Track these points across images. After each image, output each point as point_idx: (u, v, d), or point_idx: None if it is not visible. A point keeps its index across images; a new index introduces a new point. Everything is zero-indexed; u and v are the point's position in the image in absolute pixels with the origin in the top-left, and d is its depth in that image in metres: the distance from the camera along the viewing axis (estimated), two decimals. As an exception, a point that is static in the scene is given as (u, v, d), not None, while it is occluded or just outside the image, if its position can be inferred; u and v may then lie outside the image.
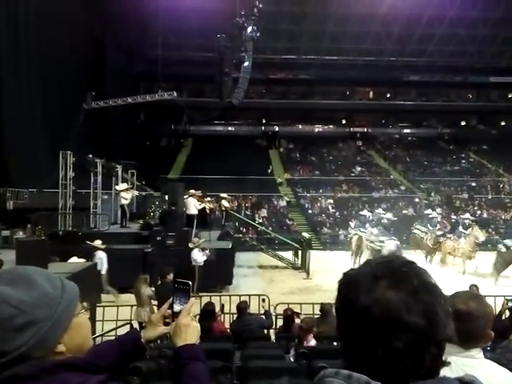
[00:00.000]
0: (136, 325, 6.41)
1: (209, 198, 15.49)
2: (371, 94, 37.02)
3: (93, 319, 6.32)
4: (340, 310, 0.75)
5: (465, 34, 30.98)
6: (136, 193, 15.90)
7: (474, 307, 1.52)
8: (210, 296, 9.25)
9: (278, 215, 23.93)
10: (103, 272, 9.72)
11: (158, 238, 11.52)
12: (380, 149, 34.28)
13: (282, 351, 4.42)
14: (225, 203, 16.16)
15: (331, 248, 20.22)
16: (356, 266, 0.94)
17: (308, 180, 28.24)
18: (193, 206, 12.44)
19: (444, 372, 0.80)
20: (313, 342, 4.37)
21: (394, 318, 0.67)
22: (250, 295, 7.85)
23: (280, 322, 6.60)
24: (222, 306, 6.76)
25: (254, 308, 7.63)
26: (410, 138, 36.25)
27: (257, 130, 35.65)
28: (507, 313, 4.56)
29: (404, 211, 23.87)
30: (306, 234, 17.58)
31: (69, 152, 13.05)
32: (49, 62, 16.80)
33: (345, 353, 0.74)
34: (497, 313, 5.21)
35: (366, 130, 36.53)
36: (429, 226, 16.06)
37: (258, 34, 17.15)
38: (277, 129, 35.82)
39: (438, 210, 23.83)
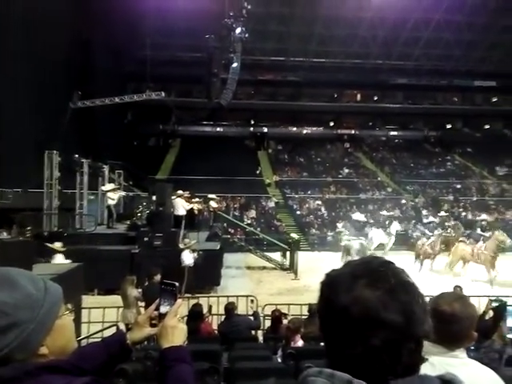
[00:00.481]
0: (122, 326, 6.34)
1: (197, 199, 15.44)
2: (359, 96, 37.36)
3: (78, 321, 6.23)
4: (321, 310, 0.77)
5: (450, 38, 31.51)
6: (123, 193, 15.75)
7: (458, 308, 1.54)
8: (198, 297, 9.24)
9: (266, 216, 23.96)
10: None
11: (145, 239, 11.43)
12: (367, 151, 34.60)
13: (270, 352, 4.43)
14: (213, 204, 16.13)
15: (319, 249, 20.32)
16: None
17: (296, 181, 28.35)
18: (181, 206, 12.38)
19: (428, 372, 0.82)
20: (300, 343, 4.39)
21: (371, 316, 0.69)
22: (237, 296, 7.85)
23: (268, 323, 6.61)
24: (210, 307, 6.74)
25: (241, 309, 7.63)
26: (396, 141, 36.67)
27: (245, 131, 35.67)
28: (491, 313, 4.63)
29: (391, 212, 24.11)
30: (294, 235, 17.65)
31: (54, 152, 12.86)
32: (35, 62, 16.55)
33: (328, 352, 0.76)
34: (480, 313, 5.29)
35: (353, 132, 36.85)
36: (426, 231, 15.74)
37: (246, 35, 17.18)
38: (265, 130, 35.90)
39: (424, 211, 24.25)
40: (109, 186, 14.57)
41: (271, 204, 25.12)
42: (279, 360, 4.09)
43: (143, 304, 6.39)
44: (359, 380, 0.67)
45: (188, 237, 11.96)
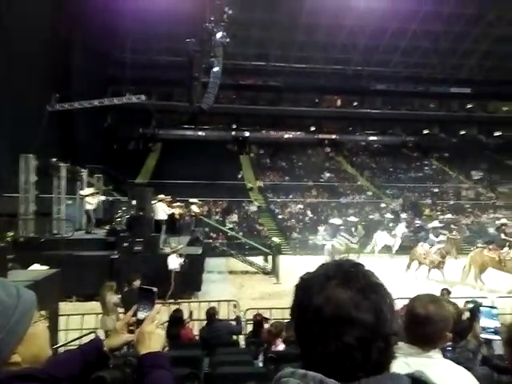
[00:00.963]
0: (102, 333, 6.22)
1: (178, 203, 15.30)
2: (339, 101, 37.88)
3: (55, 328, 6.07)
4: (296, 311, 0.79)
5: (427, 47, 32.36)
6: (102, 198, 15.47)
7: (433, 311, 1.58)
8: (179, 302, 9.14)
9: (248, 220, 23.95)
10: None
11: (125, 244, 11.25)
12: (347, 155, 35.07)
13: (251, 356, 4.42)
14: (194, 208, 16.03)
15: (301, 252, 20.40)
16: None
17: (278, 185, 28.48)
18: (161, 211, 12.24)
19: (403, 372, 0.84)
20: (281, 347, 4.39)
21: (343, 315, 0.71)
22: (219, 301, 7.82)
23: (250, 328, 6.59)
24: (191, 313, 6.68)
25: (223, 314, 7.58)
26: (376, 145, 37.30)
27: (227, 135, 35.65)
28: (467, 314, 4.75)
29: (370, 216, 24.49)
30: (275, 239, 17.76)
31: (31, 155, 12.55)
32: (11, 62, 16.15)
33: (301, 352, 0.78)
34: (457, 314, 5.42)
35: (333, 136, 37.28)
36: (431, 236, 14.26)
37: (227, 40, 17.20)
38: (247, 134, 35.96)
39: (403, 215, 24.68)
40: (87, 191, 14.28)
41: (253, 208, 25.15)
42: (260, 364, 4.09)
43: (123, 310, 6.29)
44: (331, 379, 0.69)
45: (169, 242, 11.83)
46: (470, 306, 4.57)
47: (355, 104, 37.40)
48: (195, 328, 6.82)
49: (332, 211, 25.28)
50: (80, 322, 7.00)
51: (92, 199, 13.56)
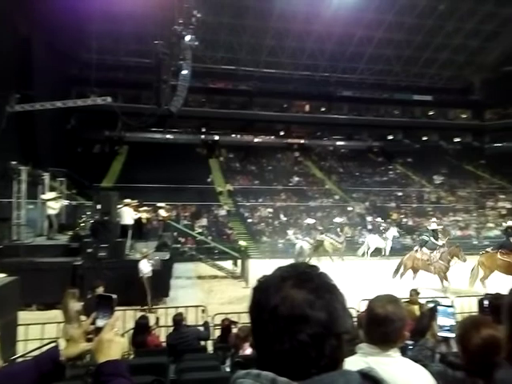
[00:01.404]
0: (63, 342, 5.99)
1: (145, 208, 15.03)
2: (307, 107, 38.48)
3: (12, 339, 5.81)
4: (253, 312, 0.81)
5: (391, 55, 33.52)
6: (65, 202, 14.96)
7: (391, 311, 1.63)
8: (146, 309, 8.97)
9: (217, 224, 23.83)
10: None
11: (89, 250, 10.93)
12: (316, 160, 35.63)
13: (218, 362, 4.39)
14: (162, 213, 15.79)
15: (270, 256, 20.48)
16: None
17: (248, 189, 28.53)
18: (128, 215, 11.99)
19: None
20: (249, 351, 4.39)
21: (298, 314, 0.74)
22: (187, 307, 7.73)
23: (218, 333, 6.55)
24: (157, 319, 6.57)
25: (191, 320, 7.51)
26: (343, 150, 38.11)
27: (196, 139, 35.38)
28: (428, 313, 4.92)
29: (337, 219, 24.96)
30: (242, 242, 17.83)
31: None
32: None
33: (258, 352, 0.80)
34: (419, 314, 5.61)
35: (302, 141, 37.79)
36: (432, 238, 13.17)
37: (196, 43, 17.10)
38: (217, 138, 35.84)
39: (369, 218, 25.36)
40: (49, 195, 13.77)
41: (223, 212, 25.05)
42: (227, 369, 4.07)
43: (85, 318, 6.08)
44: (283, 378, 0.72)
45: (135, 247, 11.60)
46: (431, 305, 4.74)
47: (323, 109, 38.11)
48: (162, 335, 6.71)
49: (301, 215, 25.59)
50: (40, 331, 6.71)
51: (54, 204, 13.10)
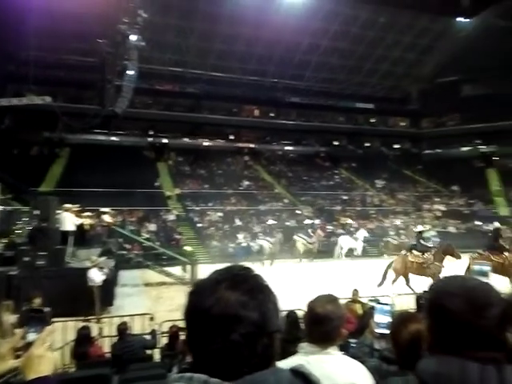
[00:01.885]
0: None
1: (88, 213, 14.35)
2: (257, 112, 38.88)
3: None
4: (187, 315, 0.81)
5: (336, 63, 34.85)
6: (-1, 208, 13.92)
7: (331, 310, 1.70)
8: (89, 319, 8.56)
9: (166, 229, 23.30)
10: None
11: (25, 259, 10.24)
12: (265, 164, 36.06)
13: (165, 370, 4.30)
14: (106, 218, 15.18)
15: (220, 261, 20.36)
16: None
17: (197, 193, 28.21)
18: (69, 221, 11.39)
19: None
20: (196, 357, 4.33)
21: (231, 314, 0.76)
22: (133, 315, 7.50)
23: (166, 340, 6.41)
24: (101, 330, 6.30)
25: (138, 328, 7.30)
26: (291, 155, 38.94)
27: (143, 141, 34.36)
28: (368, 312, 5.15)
29: (287, 223, 25.46)
30: (187, 248, 17.73)
31: None
32: None
33: (192, 355, 0.81)
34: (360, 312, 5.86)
35: (252, 145, 38.10)
36: (421, 241, 12.91)
37: (142, 43, 16.65)
38: (165, 141, 35.08)
39: (317, 221, 26.07)
40: (-20, 200, 12.76)
41: (171, 217, 24.55)
42: (174, 377, 3.98)
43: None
44: (215, 379, 0.73)
45: (76, 254, 11.05)
46: (372, 304, 4.98)
47: (272, 115, 38.69)
48: (106, 345, 6.46)
49: (251, 218, 25.75)
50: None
51: (-14, 210, 12.14)
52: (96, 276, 10.00)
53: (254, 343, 0.76)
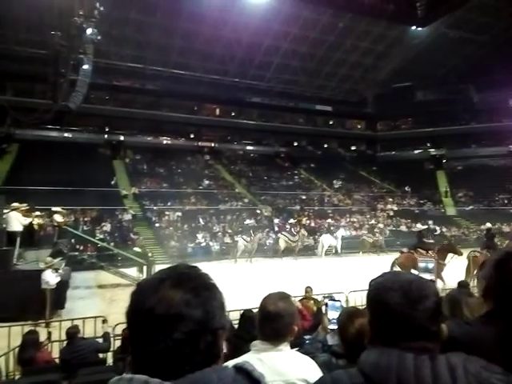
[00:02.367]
0: None
1: (38, 213, 13.67)
2: (218, 111, 38.72)
3: None
4: (129, 316, 0.79)
5: (297, 66, 35.38)
6: None
7: (282, 307, 1.72)
8: (37, 323, 8.16)
9: (122, 229, 22.62)
10: None
11: (-34, 262, 9.58)
12: (226, 163, 36.00)
13: (118, 373, 4.16)
14: (57, 218, 14.47)
15: (179, 261, 20.08)
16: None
17: (155, 192, 27.62)
18: (16, 221, 10.78)
19: (258, 367, 0.90)
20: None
21: (174, 313, 0.75)
22: (84, 318, 7.25)
23: (119, 343, 6.24)
24: (49, 334, 6.02)
25: (90, 332, 7.07)
26: (252, 155, 39.15)
27: (99, 138, 33.16)
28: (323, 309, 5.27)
29: (246, 222, 25.54)
30: (136, 249, 17.48)
31: None
32: None
33: (133, 356, 0.79)
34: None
35: (213, 145, 37.90)
36: (424, 239, 13.33)
37: (98, 38, 16.02)
38: (122, 138, 34.05)
39: (276, 220, 26.36)
40: None
41: (128, 217, 23.87)
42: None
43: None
44: (155, 379, 0.72)
45: (24, 256, 10.49)
46: (326, 301, 5.10)
47: (233, 114, 38.67)
48: (56, 350, 6.19)
49: (211, 218, 25.58)
50: None
51: None
52: (51, 278, 9.57)
53: (196, 341, 0.75)
